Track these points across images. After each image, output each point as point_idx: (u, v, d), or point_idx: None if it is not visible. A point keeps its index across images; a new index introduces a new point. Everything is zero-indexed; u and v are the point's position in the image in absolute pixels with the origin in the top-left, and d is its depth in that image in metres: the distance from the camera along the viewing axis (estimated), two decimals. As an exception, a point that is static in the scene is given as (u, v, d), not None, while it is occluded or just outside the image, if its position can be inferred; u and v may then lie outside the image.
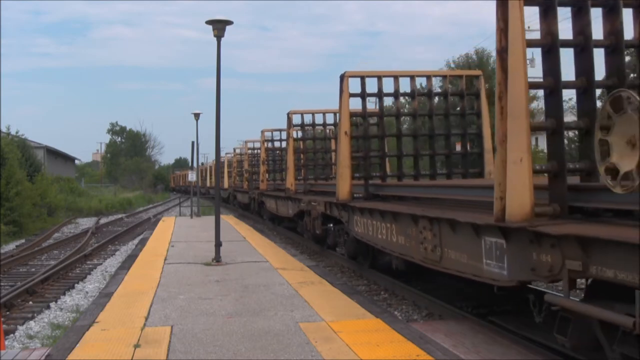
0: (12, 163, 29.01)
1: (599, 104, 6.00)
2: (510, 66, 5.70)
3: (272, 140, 25.45)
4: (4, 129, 39.30)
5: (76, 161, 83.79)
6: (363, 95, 11.80)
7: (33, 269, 16.37)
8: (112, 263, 17.36)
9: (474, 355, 6.75)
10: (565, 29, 6.21)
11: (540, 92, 7.53)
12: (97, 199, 51.13)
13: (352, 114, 12.14)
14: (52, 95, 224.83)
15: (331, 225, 14.05)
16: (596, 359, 5.21)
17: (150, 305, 8.86)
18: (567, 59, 5.97)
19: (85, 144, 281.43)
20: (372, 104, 18.55)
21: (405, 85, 12.44)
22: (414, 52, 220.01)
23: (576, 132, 7.60)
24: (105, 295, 9.77)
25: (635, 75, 6.45)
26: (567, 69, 5.98)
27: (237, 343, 6.81)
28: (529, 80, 5.76)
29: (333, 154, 19.17)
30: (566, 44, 5.93)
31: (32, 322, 10.35)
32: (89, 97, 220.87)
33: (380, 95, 12.03)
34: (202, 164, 55.54)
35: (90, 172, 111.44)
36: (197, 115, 30.93)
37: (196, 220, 27.46)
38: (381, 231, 9.84)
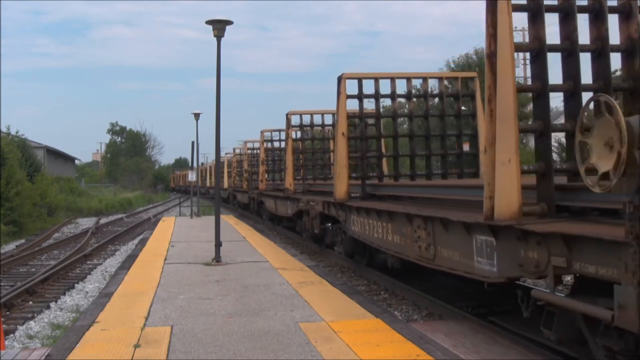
0: (12, 163, 29.02)
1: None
2: (499, 70, 5.90)
3: (272, 141, 25.56)
4: (4, 129, 39.39)
5: (76, 161, 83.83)
6: (360, 96, 11.95)
7: (33, 269, 16.37)
8: (112, 263, 17.37)
9: (474, 355, 6.75)
10: (553, 32, 6.32)
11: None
12: (97, 199, 51.14)
13: (350, 115, 12.30)
14: (52, 95, 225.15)
15: (329, 224, 14.19)
16: (591, 358, 5.30)
17: (150, 305, 8.86)
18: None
19: (85, 144, 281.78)
20: (371, 105, 18.66)
21: (403, 87, 12.48)
22: (414, 52, 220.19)
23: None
24: (105, 295, 9.78)
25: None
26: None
27: (237, 343, 6.82)
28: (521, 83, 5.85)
29: (331, 154, 19.24)
30: (554, 48, 6.12)
31: (32, 322, 10.35)
32: (89, 97, 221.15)
33: (377, 96, 12.19)
34: (202, 164, 55.58)
35: (90, 172, 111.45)
36: (197, 115, 30.96)
37: (196, 220, 27.47)
38: (377, 230, 9.97)
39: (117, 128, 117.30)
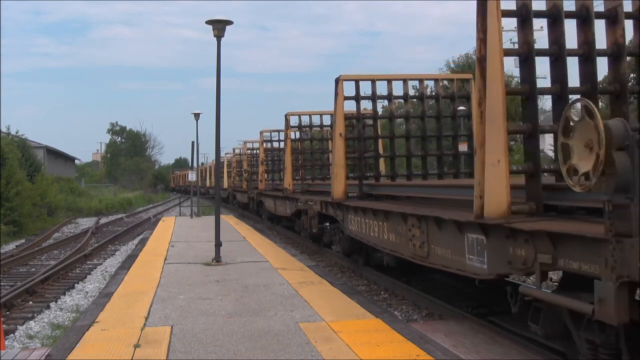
0: (12, 163, 29.03)
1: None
2: (488, 73, 6.06)
3: (271, 141, 25.63)
4: (4, 129, 39.38)
5: (76, 161, 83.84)
6: (357, 98, 12.08)
7: (33, 269, 16.37)
8: (112, 263, 17.37)
9: (474, 355, 6.75)
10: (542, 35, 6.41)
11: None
12: (97, 199, 51.16)
13: (347, 116, 12.46)
14: (52, 95, 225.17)
15: (327, 224, 14.31)
16: (576, 352, 5.47)
17: (150, 305, 8.86)
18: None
19: (85, 144, 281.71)
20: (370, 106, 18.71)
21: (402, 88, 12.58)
22: (414, 52, 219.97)
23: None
24: (105, 295, 9.78)
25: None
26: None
27: (237, 343, 6.82)
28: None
29: (330, 154, 19.33)
30: (542, 52, 6.28)
31: (32, 322, 10.35)
32: (89, 97, 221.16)
33: (373, 98, 12.35)
34: (202, 164, 55.58)
35: (90, 172, 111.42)
36: (197, 115, 30.97)
37: (196, 220, 27.47)
38: (373, 229, 10.09)
39: (117, 128, 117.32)
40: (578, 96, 6.01)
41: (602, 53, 6.28)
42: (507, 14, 6.12)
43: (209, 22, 13.13)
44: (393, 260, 10.22)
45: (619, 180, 4.22)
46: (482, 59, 6.13)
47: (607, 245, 4.36)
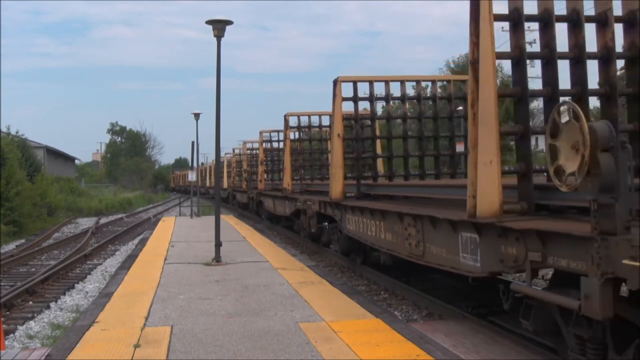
0: (12, 163, 29.03)
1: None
2: (481, 76, 6.18)
3: (270, 141, 25.70)
4: (4, 129, 39.39)
5: (76, 161, 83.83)
6: (355, 99, 12.15)
7: (33, 269, 16.38)
8: (112, 263, 17.37)
9: (474, 355, 6.76)
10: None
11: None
12: (97, 199, 51.16)
13: (345, 117, 12.54)
14: (52, 95, 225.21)
15: (326, 223, 14.43)
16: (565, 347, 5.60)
17: (150, 305, 8.87)
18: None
19: (85, 144, 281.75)
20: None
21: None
22: (414, 52, 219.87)
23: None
24: (105, 295, 9.78)
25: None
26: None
27: (237, 343, 6.82)
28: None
29: (329, 154, 19.40)
30: (533, 56, 6.45)
31: (32, 322, 10.35)
32: (89, 97, 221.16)
33: (371, 99, 12.42)
34: (202, 164, 55.59)
35: (90, 172, 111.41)
36: (197, 115, 30.98)
37: (196, 220, 27.48)
38: (371, 228, 10.19)
39: (117, 128, 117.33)
40: (568, 98, 6.14)
41: (592, 56, 6.40)
42: (499, 18, 6.25)
43: (209, 22, 13.14)
44: (389, 259, 10.34)
45: (603, 181, 4.37)
46: (475, 61, 6.27)
47: (593, 243, 4.51)
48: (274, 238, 19.33)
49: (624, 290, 4.75)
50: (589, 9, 6.47)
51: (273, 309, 8.50)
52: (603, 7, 6.36)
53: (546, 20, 6.32)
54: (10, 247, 22.69)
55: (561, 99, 6.17)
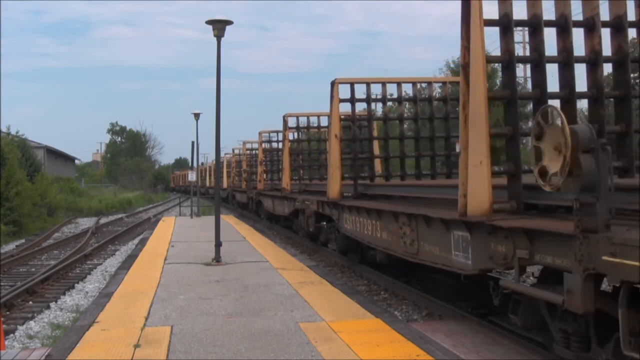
0: (12, 163, 29.03)
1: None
2: (472, 79, 6.32)
3: (270, 142, 25.80)
4: (4, 129, 39.39)
5: (76, 161, 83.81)
6: (352, 100, 12.26)
7: (33, 269, 16.39)
8: (112, 263, 17.39)
9: (474, 355, 6.77)
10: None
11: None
12: (97, 199, 51.15)
13: (343, 118, 12.67)
14: (52, 95, 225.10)
15: (324, 223, 14.59)
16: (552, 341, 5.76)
17: (150, 305, 8.88)
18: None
19: (85, 144, 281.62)
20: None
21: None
22: (414, 52, 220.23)
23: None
24: (105, 295, 9.79)
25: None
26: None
27: (237, 343, 6.84)
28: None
29: (327, 155, 19.51)
30: (522, 59, 6.69)
31: (32, 322, 10.37)
32: (89, 97, 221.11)
33: (368, 100, 12.59)
34: (202, 164, 55.61)
35: (90, 172, 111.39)
36: (197, 115, 30.99)
37: (196, 220, 27.49)
38: (367, 228, 10.31)
39: (117, 128, 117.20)
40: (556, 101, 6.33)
41: (580, 60, 6.54)
42: (489, 23, 6.36)
43: (209, 22, 13.17)
44: (385, 257, 10.53)
45: (585, 181, 4.55)
46: (466, 65, 6.42)
47: (575, 240, 4.71)
48: (274, 238, 19.34)
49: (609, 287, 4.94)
50: (577, 14, 6.59)
51: (273, 309, 8.51)
52: (590, 12, 6.50)
53: (535, 25, 6.45)
54: (10, 247, 22.70)
55: (550, 101, 6.28)
